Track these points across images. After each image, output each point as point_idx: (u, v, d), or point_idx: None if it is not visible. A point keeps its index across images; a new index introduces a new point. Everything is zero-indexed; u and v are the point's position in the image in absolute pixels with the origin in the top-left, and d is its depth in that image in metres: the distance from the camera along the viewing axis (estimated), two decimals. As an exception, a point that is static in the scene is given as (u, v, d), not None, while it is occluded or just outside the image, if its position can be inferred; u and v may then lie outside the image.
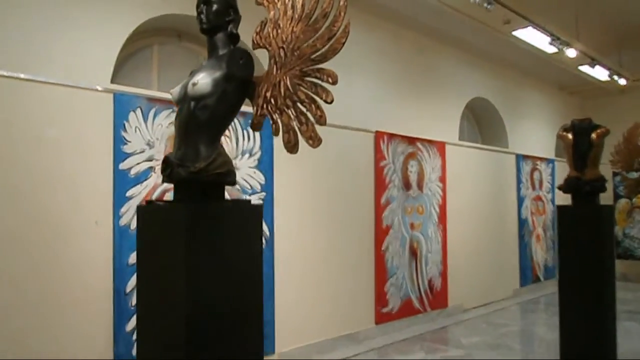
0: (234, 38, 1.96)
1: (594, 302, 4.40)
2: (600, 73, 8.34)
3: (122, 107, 3.82)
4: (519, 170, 8.65)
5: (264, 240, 4.60)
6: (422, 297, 6.47)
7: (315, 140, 1.76)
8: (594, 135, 4.55)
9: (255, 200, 4.59)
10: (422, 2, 5.74)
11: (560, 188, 4.76)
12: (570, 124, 4.75)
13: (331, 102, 1.76)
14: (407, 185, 6.35)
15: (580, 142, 4.58)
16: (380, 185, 5.98)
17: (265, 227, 4.66)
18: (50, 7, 3.57)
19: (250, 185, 4.58)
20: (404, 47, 6.59)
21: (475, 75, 7.91)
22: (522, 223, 8.65)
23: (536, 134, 9.40)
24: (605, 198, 10.32)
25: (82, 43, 3.71)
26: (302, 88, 1.82)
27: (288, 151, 1.83)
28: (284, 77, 1.83)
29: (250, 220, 1.78)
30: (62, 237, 3.53)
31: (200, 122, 1.77)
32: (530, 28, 6.53)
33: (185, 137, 1.80)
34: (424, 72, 6.91)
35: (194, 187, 1.74)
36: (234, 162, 4.38)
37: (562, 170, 9.62)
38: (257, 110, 1.87)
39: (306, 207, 5.20)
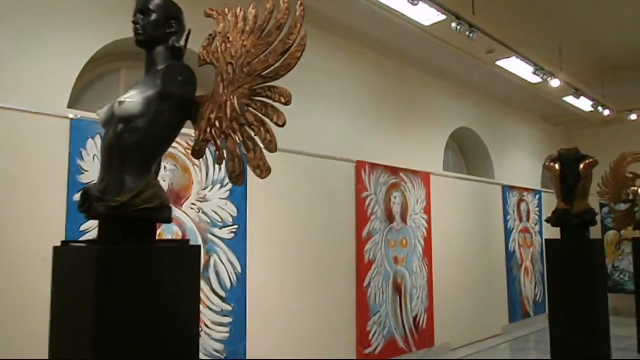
0: (177, 53, 1.71)
1: (587, 339, 4.13)
2: (584, 104, 8.28)
3: (79, 134, 3.54)
4: (505, 201, 8.46)
5: (234, 277, 4.28)
6: (407, 336, 6.12)
7: (263, 170, 1.51)
8: (582, 166, 4.37)
9: (226, 233, 4.29)
10: (405, 31, 5.63)
11: (548, 221, 4.54)
12: (557, 155, 4.57)
13: (283, 125, 1.52)
14: (390, 218, 6.09)
15: (568, 173, 4.38)
16: (362, 217, 5.71)
17: (237, 262, 4.34)
18: (6, 30, 3.33)
19: (221, 218, 4.28)
20: (387, 76, 6.46)
21: (460, 105, 7.79)
22: (510, 256, 8.40)
23: (522, 164, 9.27)
24: (594, 230, 10.19)
25: (39, 67, 3.45)
26: (250, 109, 1.57)
27: (232, 182, 1.57)
28: (231, 97, 1.59)
29: (185, 263, 1.49)
30: (7, 274, 3.19)
31: (127, 148, 1.50)
32: (514, 58, 6.45)
33: (108, 166, 1.52)
34: (408, 102, 6.76)
35: (115, 224, 1.45)
36: (204, 193, 4.12)
37: (549, 202, 9.45)
38: (199, 135, 1.61)
39: (282, 240, 4.89)
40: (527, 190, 9.07)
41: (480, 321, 7.55)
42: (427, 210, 6.69)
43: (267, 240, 4.74)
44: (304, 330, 4.96)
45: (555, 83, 6.88)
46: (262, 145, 1.53)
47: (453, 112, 7.63)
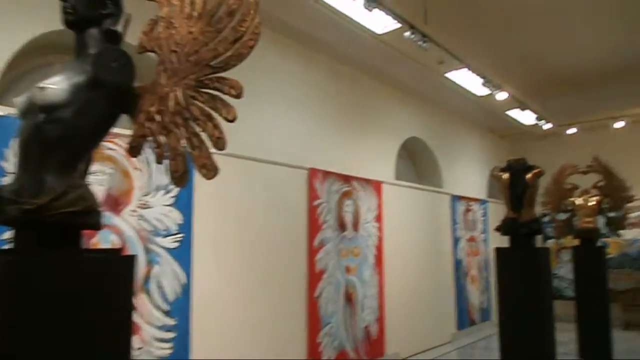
0: (112, 37, 1.51)
1: (535, 343, 4.20)
2: (527, 117, 8.61)
3: (3, 132, 3.19)
4: (453, 210, 8.61)
5: (178, 289, 4.01)
6: (357, 347, 6.02)
7: (210, 170, 1.34)
8: (529, 176, 4.46)
9: (170, 242, 4.02)
10: (359, 38, 5.60)
11: (497, 230, 4.59)
12: (506, 165, 4.65)
13: (233, 120, 1.36)
14: (342, 226, 6.00)
15: (517, 183, 4.46)
16: (313, 225, 5.58)
17: (181, 273, 4.08)
18: None
19: (165, 226, 4.01)
20: (341, 83, 6.40)
21: (411, 114, 7.88)
22: (457, 264, 8.54)
23: (469, 175, 9.50)
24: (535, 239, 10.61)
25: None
26: (196, 102, 1.40)
27: (175, 183, 1.39)
28: (175, 88, 1.41)
29: (114, 276, 1.29)
30: None
31: (49, 142, 1.29)
32: (464, 69, 6.58)
33: (25, 163, 1.30)
34: (361, 109, 6.73)
35: (31, 231, 1.23)
36: (145, 199, 3.84)
37: (495, 211, 9.75)
38: (136, 130, 1.42)
39: (230, 249, 4.67)
40: (474, 199, 9.29)
41: (429, 329, 7.60)
42: (379, 218, 6.66)
43: (214, 249, 4.51)
44: (252, 343, 4.74)
45: (501, 96, 7.09)
46: (209, 143, 1.36)
47: (405, 121, 7.70)
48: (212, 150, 1.40)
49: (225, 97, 1.40)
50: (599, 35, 7.37)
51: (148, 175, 3.94)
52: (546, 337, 4.23)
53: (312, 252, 5.51)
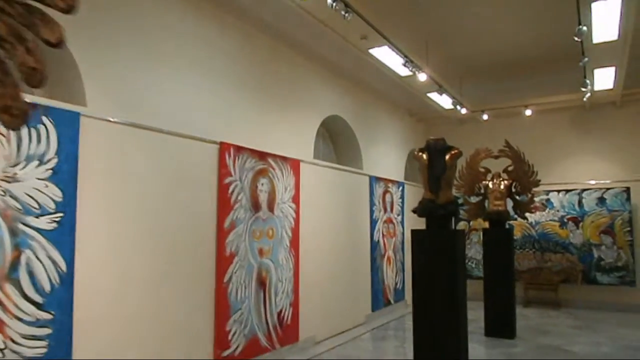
0: None
1: (449, 324, 4.17)
2: (445, 101, 8.70)
3: None
4: (372, 192, 8.54)
5: (56, 278, 3.42)
6: (270, 333, 5.72)
7: (15, 116, 0.90)
8: (447, 157, 4.35)
9: (46, 223, 3.40)
10: (279, 4, 5.17)
11: (415, 211, 4.46)
12: (425, 145, 4.51)
13: (58, 45, 0.92)
14: (256, 206, 5.61)
15: (435, 163, 4.34)
16: (224, 205, 5.14)
17: (60, 259, 3.48)
18: None
19: (38, 203, 3.38)
20: (259, 53, 5.94)
21: (332, 91, 7.60)
22: (374, 246, 8.52)
23: (388, 156, 9.48)
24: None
25: None
26: (5, 18, 0.94)
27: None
28: (-29, -6, 0.94)
29: None
30: None
31: None
32: (386, 47, 6.40)
33: None
34: (280, 83, 6.33)
35: None
36: (13, 171, 3.19)
37: (412, 194, 9.85)
38: None
39: (126, 231, 4.11)
40: (392, 181, 9.30)
41: (345, 312, 7.50)
42: (296, 199, 6.35)
43: (106, 231, 3.93)
44: (149, 335, 4.25)
45: (422, 77, 7.02)
46: (16, 77, 0.92)
47: (326, 98, 7.41)
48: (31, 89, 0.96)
49: (49, 12, 0.95)
50: (517, 26, 7.53)
51: (17, 143, 3.28)
52: (459, 317, 4.19)
53: (222, 233, 5.08)
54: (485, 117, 9.78)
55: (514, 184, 7.41)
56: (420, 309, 4.34)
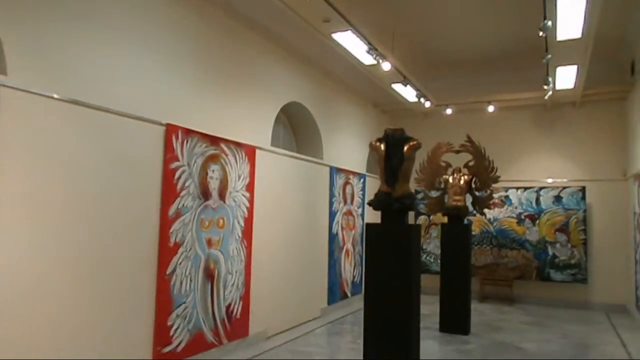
0: None
1: (400, 319, 4.02)
2: (409, 93, 8.55)
3: None
4: (332, 183, 8.33)
5: (-38, 268, 3.01)
6: (217, 328, 5.43)
7: None
8: (405, 148, 4.15)
9: (-45, 205, 2.98)
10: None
11: (370, 204, 4.25)
12: (383, 134, 4.29)
13: None
14: (205, 194, 5.28)
15: (393, 154, 4.13)
16: (169, 192, 4.79)
17: (-30, 247, 3.08)
18: None
19: (-57, 183, 2.96)
20: (214, 30, 5.57)
21: (293, 77, 7.30)
22: (332, 238, 8.32)
23: (350, 147, 9.28)
24: (409, 215, 10.86)
25: None
26: None
27: None
28: None
29: None
30: None
31: None
32: (350, 32, 6.14)
33: None
34: (237, 64, 5.98)
35: None
36: None
37: (373, 186, 9.69)
38: None
39: (49, 220, 3.71)
40: (353, 173, 9.12)
41: (299, 305, 7.29)
42: (250, 187, 6.05)
43: (25, 218, 3.53)
44: (78, 333, 3.88)
45: (386, 66, 6.81)
46: None
47: (286, 84, 7.11)
48: None
49: None
50: (484, 21, 7.44)
51: None
52: (412, 313, 4.02)
53: (165, 222, 4.73)
54: (449, 111, 9.71)
55: (473, 180, 7.34)
56: (372, 305, 4.16)
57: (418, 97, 8.61)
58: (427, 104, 9.05)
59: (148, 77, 4.64)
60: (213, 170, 5.40)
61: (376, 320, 4.12)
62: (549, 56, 6.33)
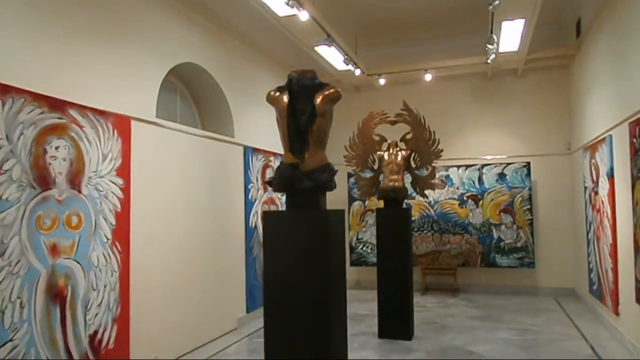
0: None
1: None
2: (336, 57, 7.26)
3: None
4: (247, 166, 6.90)
5: None
6: (73, 367, 3.89)
7: None
8: (319, 99, 2.82)
9: None
10: None
11: (269, 183, 2.90)
12: (287, 80, 2.94)
13: None
14: (43, 181, 3.69)
15: (300, 108, 2.79)
16: (-28, 178, 3.17)
17: None
18: None
19: None
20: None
21: (187, 30, 5.76)
22: (250, 233, 6.91)
23: (269, 123, 7.80)
24: (340, 201, 9.65)
25: None
26: None
27: None
28: None
29: None
30: None
31: None
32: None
33: None
34: (103, 8, 4.38)
35: None
36: None
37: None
38: None
39: None
40: (275, 154, 7.72)
41: (207, 318, 5.84)
42: (124, 172, 4.50)
43: None
44: None
45: (304, 16, 5.46)
46: None
47: (178, 38, 5.55)
48: None
49: None
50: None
51: None
52: (329, 328, 2.72)
53: (-34, 224, 3.13)
54: (382, 81, 8.56)
55: (413, 155, 6.20)
56: (276, 325, 2.81)
57: (346, 62, 7.35)
58: (357, 72, 7.83)
59: None
60: (57, 148, 3.81)
61: (280, 338, 2.78)
62: (497, 2, 5.24)
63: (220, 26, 6.39)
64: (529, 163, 8.46)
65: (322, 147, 2.84)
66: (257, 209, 7.13)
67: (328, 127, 2.88)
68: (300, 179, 2.70)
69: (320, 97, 2.82)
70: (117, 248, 4.39)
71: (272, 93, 2.95)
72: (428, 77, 8.35)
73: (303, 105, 2.77)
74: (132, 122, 4.64)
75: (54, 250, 3.75)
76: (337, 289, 2.82)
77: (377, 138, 6.40)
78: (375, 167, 6.46)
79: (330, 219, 2.77)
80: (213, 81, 6.32)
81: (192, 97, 6.51)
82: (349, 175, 9.03)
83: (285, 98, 2.85)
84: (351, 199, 9.35)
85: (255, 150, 7.14)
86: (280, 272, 2.73)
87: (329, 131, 2.91)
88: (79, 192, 4.01)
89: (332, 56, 7.24)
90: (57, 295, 3.77)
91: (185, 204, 5.53)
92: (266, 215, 2.81)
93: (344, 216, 2.98)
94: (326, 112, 2.82)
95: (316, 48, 6.95)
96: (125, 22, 4.70)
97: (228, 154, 6.54)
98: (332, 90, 2.85)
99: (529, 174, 8.44)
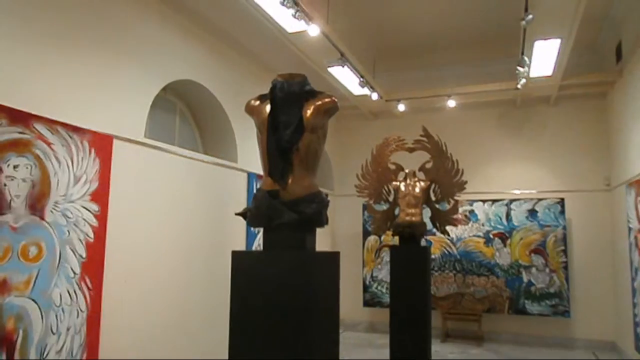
0: None
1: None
2: (351, 80, 6.73)
3: None
4: (250, 194, 6.33)
5: None
6: None
7: None
8: (309, 111, 2.23)
9: None
10: None
11: (242, 216, 2.30)
12: (271, 86, 2.37)
13: None
14: (-5, 204, 3.18)
15: (283, 120, 2.20)
16: None
17: None
18: None
19: None
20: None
21: (191, 48, 5.33)
22: (251, 268, 6.27)
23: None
24: (354, 235, 8.94)
25: None
26: None
27: None
28: None
29: None
30: None
31: None
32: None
33: None
34: (92, 15, 3.97)
35: None
36: None
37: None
38: None
39: None
40: (283, 182, 7.14)
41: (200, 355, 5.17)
42: (101, 197, 3.97)
43: None
44: None
45: (313, 31, 4.97)
46: None
47: (175, 53, 5.11)
48: None
49: None
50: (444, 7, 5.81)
51: None
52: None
53: None
54: (401, 107, 7.97)
55: (433, 187, 5.53)
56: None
57: (362, 85, 6.81)
58: (375, 96, 7.28)
59: None
60: (15, 167, 3.30)
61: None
62: (530, 16, 4.65)
63: (225, 43, 5.96)
64: (562, 199, 7.66)
65: (311, 171, 2.23)
66: (261, 242, 6.51)
67: (320, 146, 2.28)
68: (279, 210, 2.09)
69: (312, 107, 2.23)
70: (86, 284, 3.81)
71: (251, 102, 2.39)
72: (451, 103, 7.74)
73: (287, 116, 2.18)
74: (115, 142, 4.14)
75: (3, 286, 3.19)
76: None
77: (393, 167, 5.78)
78: (391, 199, 5.81)
79: (319, 263, 2.13)
80: (210, 97, 5.83)
81: (193, 117, 6.04)
82: (364, 207, 8.37)
83: (268, 108, 2.26)
84: (366, 233, 8.65)
85: (261, 177, 6.58)
86: (250, 333, 2.08)
87: (320, 152, 2.31)
88: (41, 218, 3.47)
89: (346, 78, 6.72)
90: (3, 341, 3.19)
91: (176, 236, 4.96)
92: (235, 256, 2.18)
93: (338, 260, 2.33)
94: (318, 126, 2.23)
95: (329, 69, 6.44)
96: (110, 29, 4.26)
97: (230, 181, 6.00)
98: (326, 100, 2.26)
99: (563, 212, 7.62)
